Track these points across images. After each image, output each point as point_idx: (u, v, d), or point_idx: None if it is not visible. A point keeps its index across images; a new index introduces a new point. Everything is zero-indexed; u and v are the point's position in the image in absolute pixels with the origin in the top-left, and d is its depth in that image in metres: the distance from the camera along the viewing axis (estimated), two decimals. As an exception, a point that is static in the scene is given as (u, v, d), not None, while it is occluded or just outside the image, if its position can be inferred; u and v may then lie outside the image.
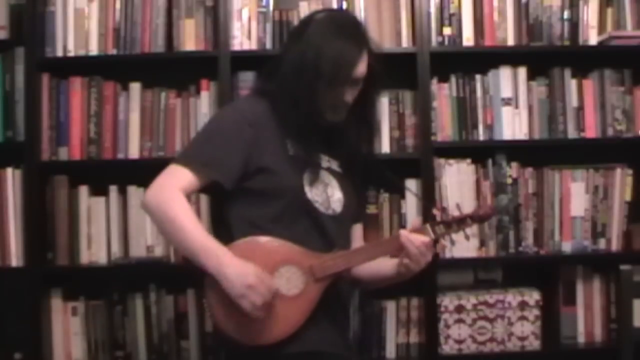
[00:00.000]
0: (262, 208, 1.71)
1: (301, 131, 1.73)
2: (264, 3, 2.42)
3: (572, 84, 2.46)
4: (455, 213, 1.77)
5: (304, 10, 2.40)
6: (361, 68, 1.75)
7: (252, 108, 1.77)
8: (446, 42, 2.43)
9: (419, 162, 2.36)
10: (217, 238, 1.77)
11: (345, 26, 1.78)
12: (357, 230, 1.95)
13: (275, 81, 1.78)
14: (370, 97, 1.85)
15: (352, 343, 2.30)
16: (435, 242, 1.77)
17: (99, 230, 2.39)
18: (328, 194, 1.78)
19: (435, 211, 1.78)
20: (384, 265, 1.80)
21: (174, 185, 1.68)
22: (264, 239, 1.68)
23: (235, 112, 1.79)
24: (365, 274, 1.85)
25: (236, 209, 1.74)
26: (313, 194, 1.74)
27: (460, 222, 1.76)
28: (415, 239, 1.68)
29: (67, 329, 2.38)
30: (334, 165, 1.84)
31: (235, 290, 1.59)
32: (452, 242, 1.78)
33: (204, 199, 2.32)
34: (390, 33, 2.44)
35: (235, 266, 1.60)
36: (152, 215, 1.71)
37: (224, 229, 1.76)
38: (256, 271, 1.59)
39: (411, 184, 2.39)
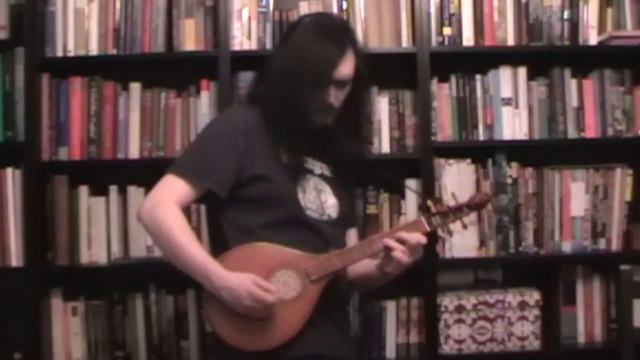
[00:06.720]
0: (256, 215, 1.71)
1: (290, 137, 1.72)
2: (264, 3, 2.42)
3: (572, 84, 2.46)
4: (451, 203, 1.77)
5: (304, 10, 2.40)
6: (344, 69, 1.73)
7: (245, 116, 1.77)
8: (446, 42, 2.43)
9: (419, 162, 2.36)
10: (214, 246, 1.76)
11: (329, 28, 1.77)
12: (352, 235, 1.94)
13: (265, 86, 1.78)
14: (359, 99, 1.84)
15: (353, 343, 2.30)
16: (433, 233, 1.76)
17: (99, 230, 2.39)
18: (322, 200, 1.78)
19: (429, 202, 1.77)
20: (368, 266, 1.79)
21: (169, 198, 1.67)
22: (259, 245, 1.68)
23: (228, 121, 1.78)
24: (354, 277, 1.84)
25: (230, 217, 1.73)
26: (307, 200, 1.74)
27: (457, 212, 1.77)
28: (403, 240, 1.67)
29: (67, 329, 2.38)
30: (326, 171, 1.83)
31: (236, 310, 1.61)
32: (450, 233, 1.77)
33: (203, 207, 2.31)
34: (390, 33, 2.43)
35: (229, 289, 1.60)
36: (147, 230, 1.71)
37: (219, 237, 1.75)
38: (250, 291, 1.58)
39: (411, 184, 2.38)
